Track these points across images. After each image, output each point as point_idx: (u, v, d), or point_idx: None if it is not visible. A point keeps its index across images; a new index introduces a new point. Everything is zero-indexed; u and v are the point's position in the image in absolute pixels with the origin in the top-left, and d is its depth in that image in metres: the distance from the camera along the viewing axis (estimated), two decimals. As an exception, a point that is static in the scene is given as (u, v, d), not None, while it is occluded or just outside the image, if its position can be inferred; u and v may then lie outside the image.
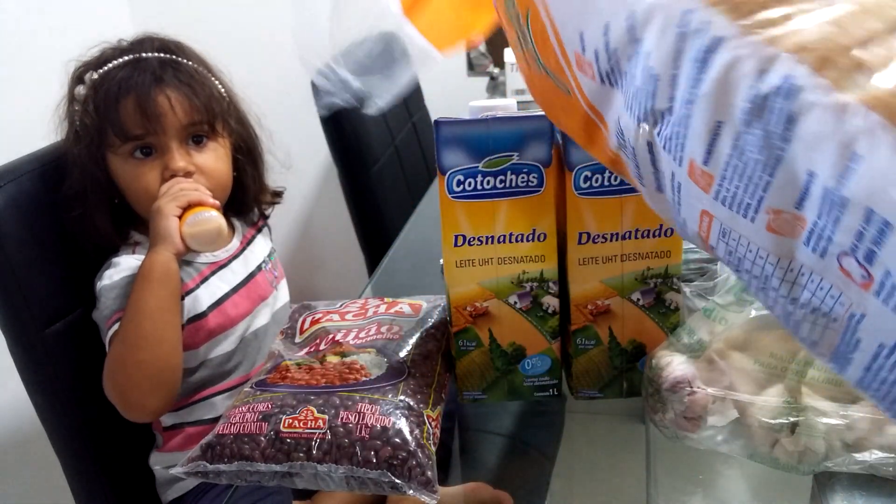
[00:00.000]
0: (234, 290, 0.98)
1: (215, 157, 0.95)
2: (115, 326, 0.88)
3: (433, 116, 1.05)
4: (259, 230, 1.09)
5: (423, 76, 2.04)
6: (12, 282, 0.87)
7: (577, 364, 0.64)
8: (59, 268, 0.93)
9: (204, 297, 0.95)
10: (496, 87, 1.85)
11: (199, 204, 0.88)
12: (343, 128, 1.45)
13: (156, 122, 0.90)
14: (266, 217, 1.11)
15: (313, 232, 2.27)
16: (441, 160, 0.58)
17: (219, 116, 0.96)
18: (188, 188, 0.89)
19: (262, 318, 1.02)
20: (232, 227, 1.03)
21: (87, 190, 0.92)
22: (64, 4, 1.75)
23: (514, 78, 1.63)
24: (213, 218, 0.88)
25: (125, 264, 0.92)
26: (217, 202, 0.91)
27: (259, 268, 1.03)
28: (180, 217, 0.87)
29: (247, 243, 1.05)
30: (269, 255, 1.07)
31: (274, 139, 1.07)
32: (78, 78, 0.95)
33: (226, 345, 0.98)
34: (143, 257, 0.92)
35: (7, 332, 0.90)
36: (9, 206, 0.88)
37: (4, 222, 0.87)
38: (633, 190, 0.58)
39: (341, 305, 0.72)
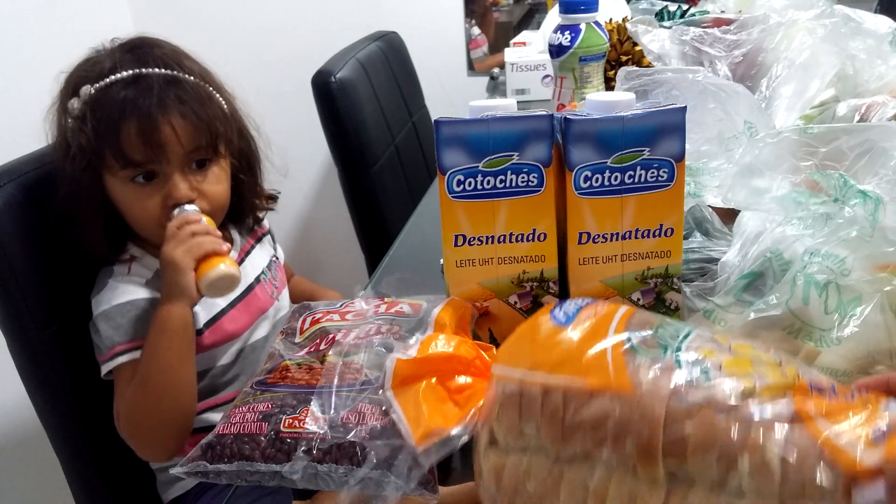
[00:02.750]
0: (232, 304, 0.97)
1: (216, 180, 0.93)
2: (119, 360, 0.88)
3: (433, 116, 1.05)
4: (258, 239, 1.07)
5: (423, 76, 2.03)
6: (12, 282, 0.87)
7: (577, 364, 0.63)
8: (59, 268, 0.93)
9: (200, 314, 0.94)
10: (496, 87, 1.85)
11: (215, 253, 0.86)
12: (343, 128, 1.45)
13: (160, 151, 0.87)
14: (260, 221, 1.09)
15: (313, 232, 2.27)
16: (441, 160, 0.58)
17: (221, 137, 0.93)
18: (200, 233, 0.86)
19: (261, 330, 1.01)
20: (231, 239, 1.01)
21: (79, 208, 0.89)
22: (64, 4, 1.75)
23: (514, 78, 1.62)
24: (231, 272, 0.86)
25: (122, 290, 0.90)
26: (228, 245, 0.89)
27: (257, 279, 1.02)
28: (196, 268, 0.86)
29: (244, 255, 1.03)
30: (269, 266, 1.06)
31: (272, 144, 1.05)
32: (73, 91, 0.89)
33: (223, 358, 0.97)
34: (140, 280, 0.91)
35: (7, 332, 0.90)
36: (9, 206, 0.87)
37: (4, 222, 0.87)
38: (633, 190, 0.58)
39: (341, 305, 0.72)
